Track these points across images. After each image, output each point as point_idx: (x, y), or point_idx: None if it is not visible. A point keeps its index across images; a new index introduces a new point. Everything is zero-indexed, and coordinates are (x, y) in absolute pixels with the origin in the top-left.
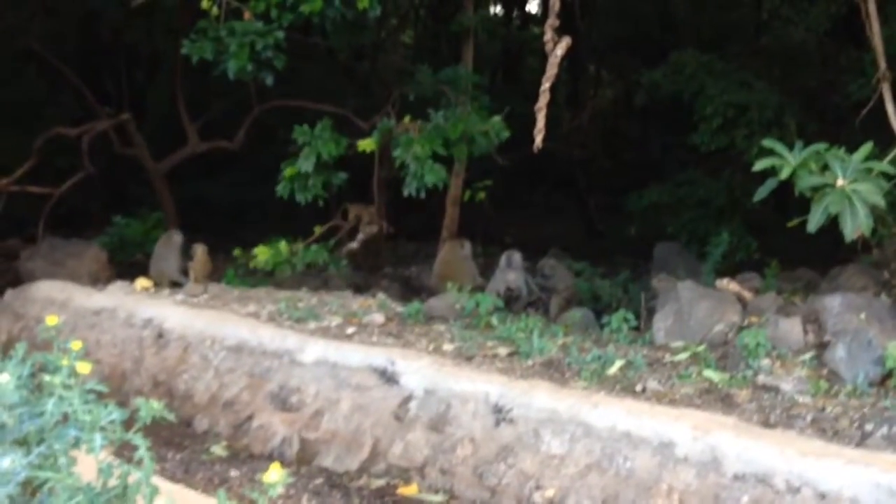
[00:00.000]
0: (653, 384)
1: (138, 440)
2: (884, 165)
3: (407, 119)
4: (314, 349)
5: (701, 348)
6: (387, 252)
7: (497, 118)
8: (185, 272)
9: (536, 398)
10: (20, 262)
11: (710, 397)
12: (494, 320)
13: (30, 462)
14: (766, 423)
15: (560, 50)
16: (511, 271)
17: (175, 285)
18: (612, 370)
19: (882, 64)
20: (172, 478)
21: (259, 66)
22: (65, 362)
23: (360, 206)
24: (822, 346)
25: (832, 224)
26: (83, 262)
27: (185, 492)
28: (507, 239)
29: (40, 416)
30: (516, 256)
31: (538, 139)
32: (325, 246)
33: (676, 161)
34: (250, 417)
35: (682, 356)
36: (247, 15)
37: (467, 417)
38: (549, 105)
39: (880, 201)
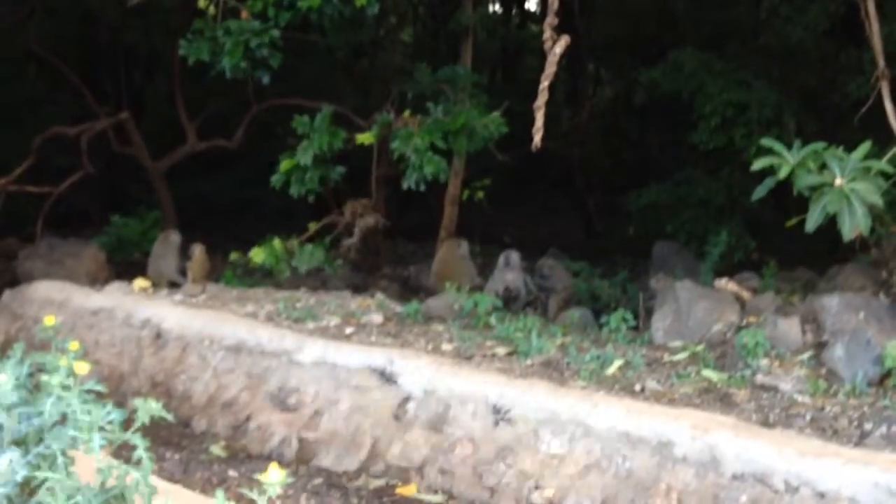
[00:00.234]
0: (651, 384)
1: (137, 440)
2: (882, 164)
3: (406, 113)
4: (313, 349)
5: (700, 348)
6: (385, 252)
7: (496, 114)
8: (183, 272)
9: (535, 398)
10: (18, 262)
11: (708, 397)
12: (493, 320)
13: (28, 462)
14: (765, 423)
15: (559, 48)
16: (509, 271)
17: (173, 285)
18: (611, 370)
19: (881, 62)
20: (171, 478)
21: (255, 65)
22: (63, 362)
23: (356, 201)
24: (820, 346)
25: (830, 223)
26: (81, 261)
27: (183, 492)
28: (506, 238)
29: (39, 416)
30: (515, 256)
31: (537, 138)
32: (321, 244)
33: (675, 160)
34: (249, 418)
35: (681, 356)
36: (244, 14)
37: (466, 417)
38: (548, 104)
39: (878, 200)
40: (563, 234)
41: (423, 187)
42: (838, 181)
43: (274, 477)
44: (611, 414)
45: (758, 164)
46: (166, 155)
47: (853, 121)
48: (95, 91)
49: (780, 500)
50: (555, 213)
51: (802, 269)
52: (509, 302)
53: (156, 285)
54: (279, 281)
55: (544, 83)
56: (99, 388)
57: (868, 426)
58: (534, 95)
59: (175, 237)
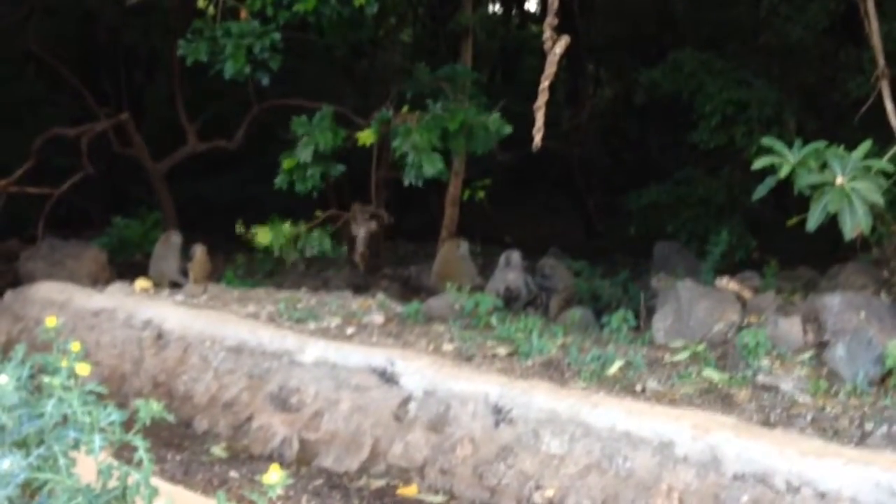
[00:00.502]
0: (652, 384)
1: (138, 441)
2: (883, 163)
3: (405, 109)
4: (314, 350)
5: (701, 348)
6: (386, 252)
7: (496, 114)
8: (184, 273)
9: (536, 398)
10: (20, 263)
11: (709, 397)
12: (494, 320)
13: (29, 463)
14: (766, 423)
15: (559, 48)
16: (510, 271)
17: (174, 286)
18: (612, 370)
19: (881, 61)
20: (172, 479)
21: (255, 67)
22: (64, 364)
23: (364, 206)
24: (821, 346)
25: (831, 222)
26: (83, 262)
27: (184, 493)
28: (507, 238)
29: (40, 417)
30: (515, 256)
31: (537, 138)
32: (326, 230)
33: (675, 160)
34: (250, 418)
35: (682, 356)
36: (243, 14)
37: (467, 418)
38: (548, 104)
39: (879, 199)
40: (564, 234)
41: (421, 184)
42: (839, 180)
43: (275, 478)
44: (611, 414)
45: (758, 164)
46: (167, 156)
47: (853, 119)
48: (95, 92)
49: (782, 500)
50: (555, 213)
51: (803, 269)
52: (510, 302)
53: (157, 286)
54: (280, 281)
55: (544, 83)
56: (100, 389)
57: (869, 426)
58: (534, 96)
59: (176, 238)
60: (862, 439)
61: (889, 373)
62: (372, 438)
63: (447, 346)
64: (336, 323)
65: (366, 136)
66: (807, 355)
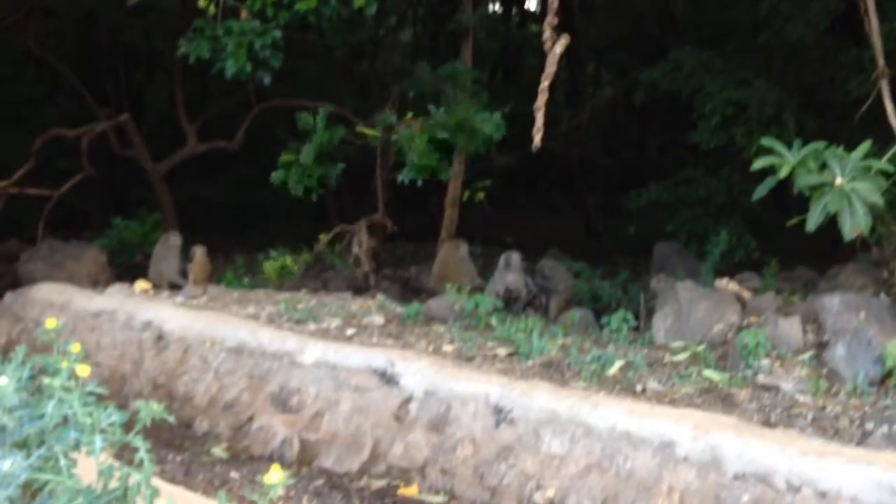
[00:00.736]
0: (653, 384)
1: (138, 442)
2: (882, 164)
3: (409, 115)
4: (314, 351)
5: (701, 348)
6: (386, 254)
7: (497, 114)
8: (184, 274)
9: (536, 399)
10: (20, 264)
11: (710, 397)
12: (494, 321)
13: (30, 464)
14: (767, 423)
15: (559, 48)
16: (510, 272)
17: (174, 287)
18: (612, 370)
19: (881, 61)
20: (173, 480)
21: (256, 66)
22: (64, 365)
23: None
24: (821, 346)
25: (831, 223)
26: (83, 264)
27: (185, 493)
28: (507, 239)
29: (40, 418)
30: (515, 257)
31: (537, 138)
32: (334, 251)
33: (675, 160)
34: (250, 419)
35: (682, 356)
36: (243, 14)
37: (467, 418)
38: (548, 104)
39: (879, 200)
40: (564, 235)
41: (419, 182)
42: (839, 181)
43: (275, 478)
44: (612, 414)
45: (758, 164)
46: (167, 157)
47: (853, 119)
48: (95, 92)
49: (782, 499)
50: (555, 214)
51: (803, 269)
52: (510, 303)
53: (157, 287)
54: (280, 283)
55: (544, 83)
56: (100, 390)
57: (869, 426)
58: (534, 95)
59: (176, 239)
60: (862, 439)
61: (889, 373)
62: (372, 439)
63: (447, 347)
64: (336, 324)
65: (370, 132)
66: (807, 355)
